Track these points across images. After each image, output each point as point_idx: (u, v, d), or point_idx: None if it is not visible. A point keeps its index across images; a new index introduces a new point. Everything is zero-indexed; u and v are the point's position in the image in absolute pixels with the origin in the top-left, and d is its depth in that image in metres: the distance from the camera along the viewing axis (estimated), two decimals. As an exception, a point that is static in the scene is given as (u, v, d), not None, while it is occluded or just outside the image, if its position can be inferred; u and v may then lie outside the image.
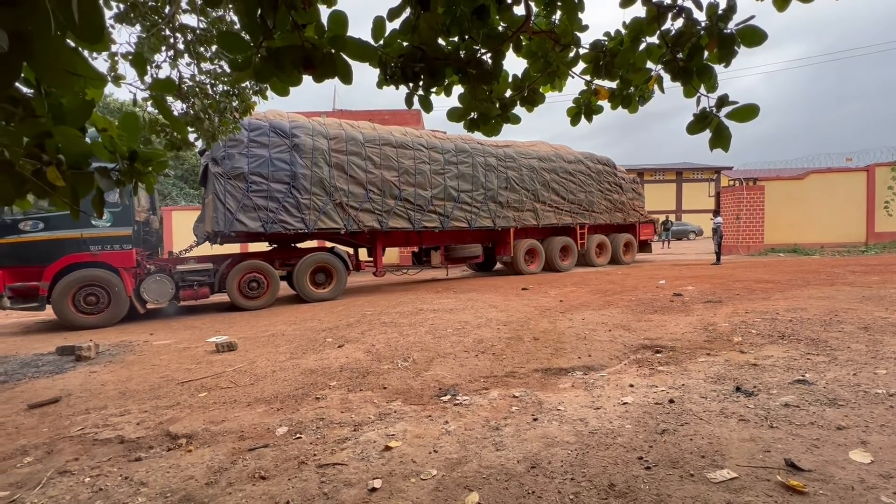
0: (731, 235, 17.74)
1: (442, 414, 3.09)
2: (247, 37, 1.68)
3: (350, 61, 1.74)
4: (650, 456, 2.29)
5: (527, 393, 3.38)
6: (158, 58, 3.79)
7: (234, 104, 4.33)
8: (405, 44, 2.08)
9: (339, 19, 1.76)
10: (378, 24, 1.98)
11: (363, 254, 11.52)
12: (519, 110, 2.58)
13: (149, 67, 3.72)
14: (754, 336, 4.45)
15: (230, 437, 2.93)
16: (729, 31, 2.07)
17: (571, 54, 2.42)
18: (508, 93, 2.52)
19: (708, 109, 2.11)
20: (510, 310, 6.74)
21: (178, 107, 4.01)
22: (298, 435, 2.89)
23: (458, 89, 2.34)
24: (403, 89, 2.14)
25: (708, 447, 2.33)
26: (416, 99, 2.19)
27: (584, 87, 2.54)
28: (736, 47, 2.08)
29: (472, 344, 4.86)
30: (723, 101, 2.08)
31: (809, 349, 3.91)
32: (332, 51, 1.73)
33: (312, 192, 9.23)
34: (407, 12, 2.03)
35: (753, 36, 2.05)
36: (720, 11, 2.07)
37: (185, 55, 3.90)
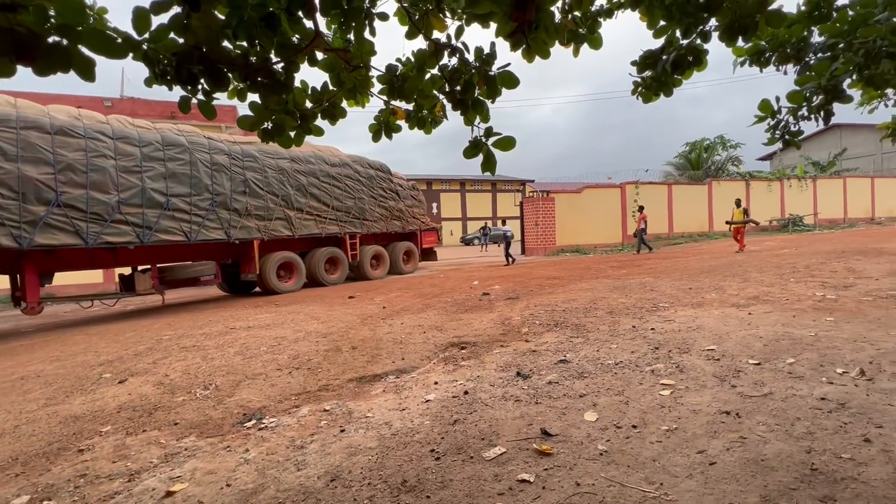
0: (532, 239, 20.82)
1: (243, 442, 2.87)
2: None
3: (97, 55, 1.50)
4: (441, 447, 2.54)
5: (338, 405, 3.38)
6: None
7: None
8: (182, 40, 1.88)
9: (72, 4, 1.50)
10: (140, 16, 1.74)
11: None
12: (323, 122, 2.57)
13: None
14: (537, 326, 5.32)
15: (-71, 526, 2.19)
16: (492, 73, 2.44)
17: (372, 74, 2.52)
18: (309, 104, 2.49)
19: (479, 138, 2.45)
20: (332, 320, 6.64)
21: None
22: (46, 501, 2.34)
23: (252, 96, 2.22)
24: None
25: (488, 429, 2.69)
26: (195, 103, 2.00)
27: (384, 107, 2.68)
28: (499, 87, 2.47)
29: (286, 361, 4.63)
30: (489, 131, 2.44)
31: (573, 333, 4.85)
32: (64, 41, 1.47)
33: None
34: (177, 8, 1.83)
35: (510, 80, 2.44)
36: (484, 56, 2.43)
37: None
